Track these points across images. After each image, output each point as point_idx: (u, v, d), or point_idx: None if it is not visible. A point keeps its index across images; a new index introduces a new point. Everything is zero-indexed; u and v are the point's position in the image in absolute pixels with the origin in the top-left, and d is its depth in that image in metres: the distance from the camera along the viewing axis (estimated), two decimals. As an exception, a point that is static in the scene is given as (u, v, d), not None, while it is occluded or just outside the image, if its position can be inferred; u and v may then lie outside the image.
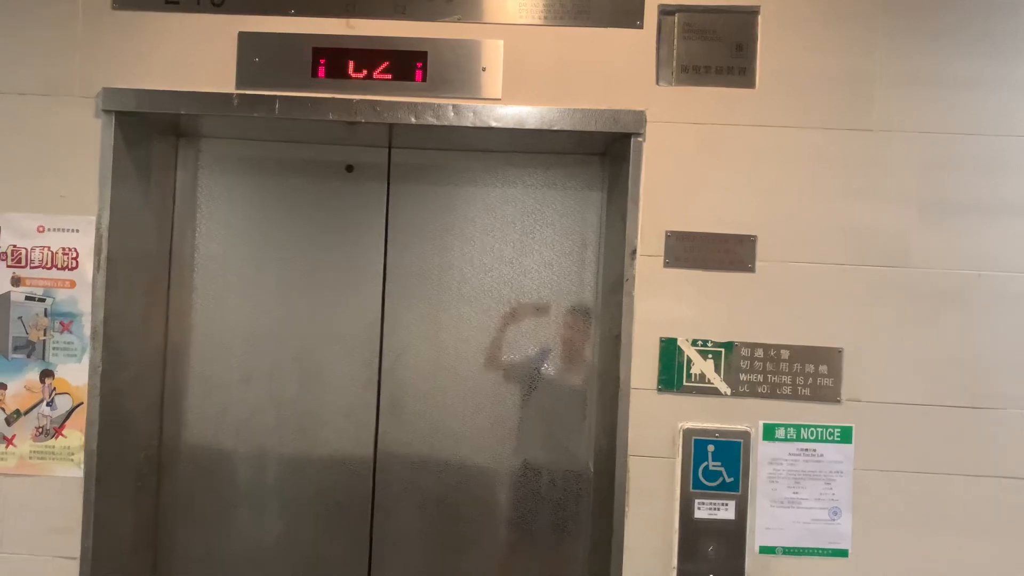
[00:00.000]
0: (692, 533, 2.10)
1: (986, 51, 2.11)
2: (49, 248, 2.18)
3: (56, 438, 2.17)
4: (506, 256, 2.48)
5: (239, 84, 2.15)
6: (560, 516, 2.46)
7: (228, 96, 2.14)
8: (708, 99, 2.12)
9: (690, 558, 2.09)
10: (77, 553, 2.14)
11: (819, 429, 2.11)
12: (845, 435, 2.10)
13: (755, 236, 2.11)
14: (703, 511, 2.10)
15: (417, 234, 2.49)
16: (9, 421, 2.18)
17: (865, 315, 2.10)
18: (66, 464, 2.17)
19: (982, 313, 2.09)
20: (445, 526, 2.48)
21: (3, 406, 2.18)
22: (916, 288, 2.10)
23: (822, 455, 2.11)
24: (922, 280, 2.10)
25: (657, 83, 2.13)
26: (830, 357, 2.10)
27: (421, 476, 2.48)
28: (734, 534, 2.10)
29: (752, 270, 2.11)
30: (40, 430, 2.17)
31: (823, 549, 2.10)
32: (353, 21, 2.15)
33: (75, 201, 2.17)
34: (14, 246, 2.18)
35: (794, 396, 2.11)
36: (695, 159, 2.12)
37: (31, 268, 2.18)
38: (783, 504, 2.11)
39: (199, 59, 2.16)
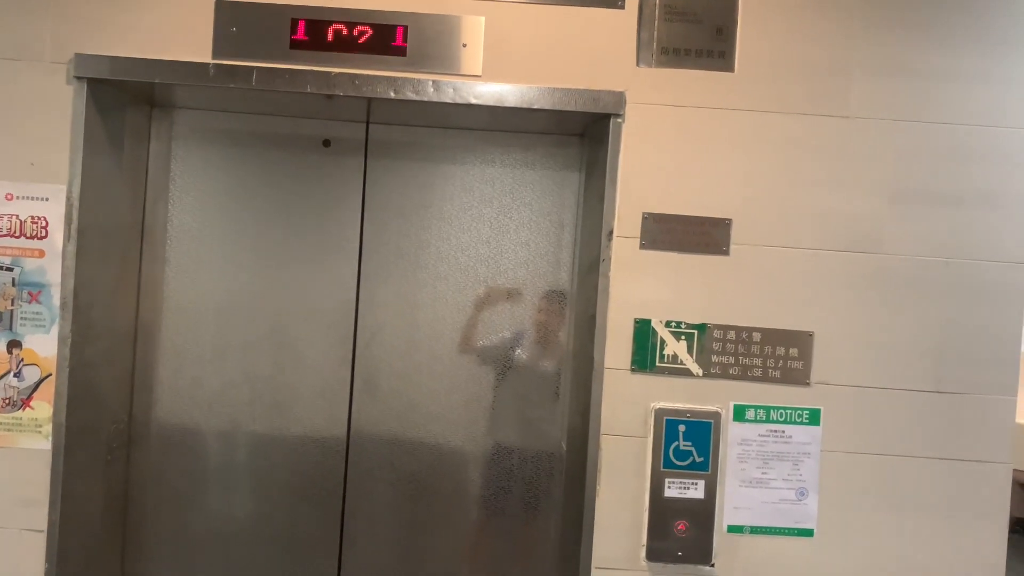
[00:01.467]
0: (662, 511, 2.12)
1: (961, 44, 2.14)
2: (17, 216, 2.14)
3: (24, 409, 2.14)
4: (483, 235, 2.48)
5: (216, 54, 2.12)
6: (532, 495, 2.48)
7: (204, 66, 2.11)
8: (688, 82, 2.13)
9: (659, 536, 2.12)
10: (44, 526, 2.11)
11: (788, 411, 2.14)
12: (813, 417, 2.14)
13: (730, 220, 2.13)
14: (673, 490, 2.13)
15: (394, 211, 2.48)
16: (-25, 392, 2.14)
17: (836, 300, 2.13)
18: (34, 436, 2.14)
19: (948, 300, 2.14)
20: (418, 505, 2.49)
21: (-31, 376, 2.14)
22: (886, 274, 2.13)
23: (791, 436, 2.14)
24: (892, 266, 2.13)
25: (637, 64, 2.14)
26: (801, 340, 2.14)
27: (395, 454, 2.48)
28: (703, 513, 2.13)
29: (727, 253, 2.13)
30: (7, 401, 2.14)
31: (789, 528, 2.14)
32: (333, -7, 2.13)
33: (45, 169, 2.13)
34: (-19, 214, 2.14)
35: (764, 378, 2.14)
36: (673, 141, 2.13)
37: (-1, 236, 2.14)
38: (752, 484, 2.15)
39: (175, 27, 2.12)
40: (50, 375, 2.14)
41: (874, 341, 2.14)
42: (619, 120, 2.12)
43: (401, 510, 2.49)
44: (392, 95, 2.11)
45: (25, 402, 2.14)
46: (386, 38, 2.12)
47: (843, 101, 2.13)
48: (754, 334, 2.14)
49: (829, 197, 2.13)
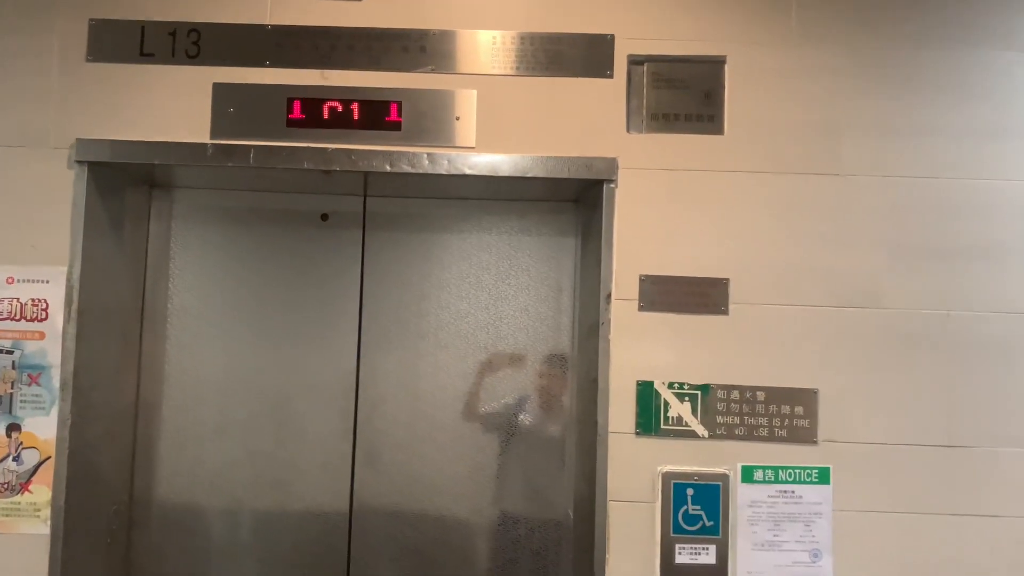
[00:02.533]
0: (674, 579, 2.07)
1: (946, 98, 2.18)
2: (18, 299, 2.15)
3: (22, 494, 2.12)
4: (482, 302, 2.48)
5: (214, 134, 2.16)
6: (540, 565, 2.43)
7: (203, 146, 2.15)
8: (678, 146, 2.16)
9: (672, 605, 2.07)
10: (43, 614, 2.07)
11: (797, 470, 2.11)
12: (823, 476, 2.10)
13: (728, 279, 2.13)
14: (684, 556, 2.08)
15: (393, 281, 2.49)
16: (-27, 478, 2.12)
17: (839, 356, 2.12)
18: (32, 521, 2.11)
19: (953, 352, 2.12)
20: (424, 578, 2.44)
21: (-33, 462, 2.12)
22: (888, 328, 2.12)
23: (801, 496, 2.10)
24: (893, 320, 2.12)
25: (628, 131, 2.17)
26: (805, 398, 2.11)
27: (398, 528, 2.43)
28: (716, 579, 2.08)
29: (726, 312, 2.13)
30: (5, 486, 2.12)
31: (805, 593, 2.09)
32: (328, 72, 2.18)
33: (46, 252, 2.15)
34: (-18, 298, 2.15)
35: (771, 438, 2.11)
36: (667, 204, 2.15)
37: (-1, 320, 2.15)
38: (764, 547, 2.10)
39: (174, 110, 2.17)
40: (49, 458, 2.12)
41: (880, 396, 2.11)
42: (612, 185, 2.15)
43: (407, 585, 2.43)
44: (388, 168, 2.14)
45: (24, 486, 2.12)
46: (381, 114, 2.17)
47: (834, 159, 2.15)
48: (758, 393, 2.12)
49: (826, 254, 2.14)
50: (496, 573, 2.43)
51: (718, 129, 2.16)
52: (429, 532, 2.43)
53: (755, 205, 2.15)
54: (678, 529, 2.09)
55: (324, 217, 2.51)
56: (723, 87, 2.17)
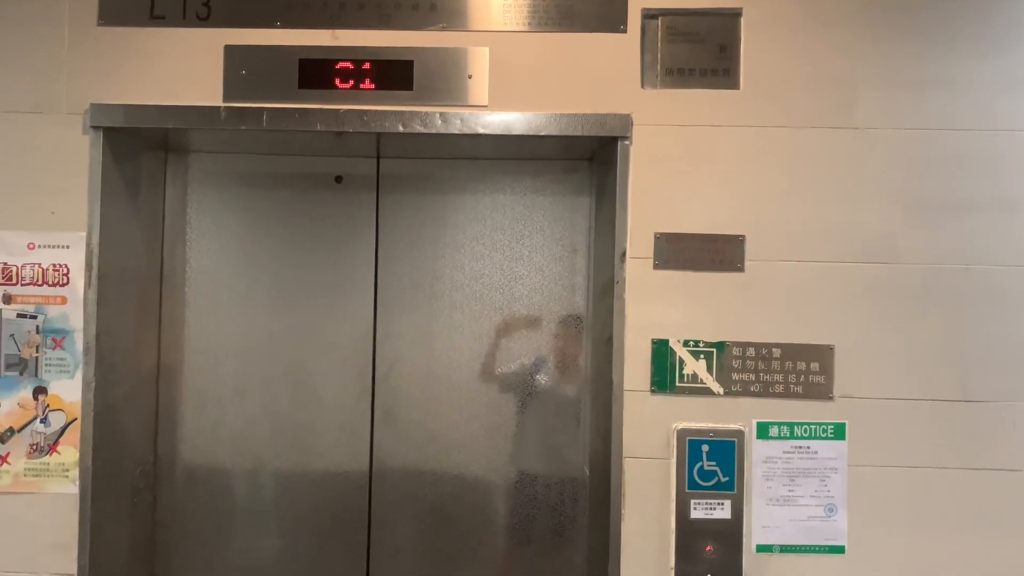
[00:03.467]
0: (689, 533, 2.10)
1: (963, 49, 2.13)
2: (40, 265, 2.18)
3: (50, 455, 2.16)
4: (497, 263, 2.48)
5: (226, 97, 2.16)
6: (557, 522, 2.46)
7: (215, 109, 2.15)
8: (693, 101, 2.14)
9: (687, 558, 2.09)
10: (74, 570, 2.13)
11: (812, 426, 2.11)
12: (838, 431, 2.11)
13: (743, 236, 2.12)
14: (699, 511, 2.10)
15: (407, 243, 2.50)
16: (3, 439, 2.17)
17: (855, 312, 2.11)
18: (61, 481, 2.16)
19: (970, 306, 2.11)
20: (443, 536, 2.48)
21: (-4, 424, 2.17)
22: (904, 284, 2.11)
23: (816, 452, 2.11)
24: (910, 275, 2.11)
25: (642, 86, 2.15)
26: (821, 354, 2.11)
27: (417, 486, 2.47)
28: (731, 533, 2.10)
29: (742, 270, 2.12)
30: (34, 447, 2.17)
31: (820, 546, 2.11)
32: (338, 32, 2.16)
33: (65, 218, 2.17)
34: (5, 264, 2.18)
35: (787, 394, 2.12)
36: (682, 161, 2.13)
37: (22, 285, 2.18)
38: (779, 502, 2.12)
39: (186, 73, 2.17)
40: (75, 420, 2.16)
41: (897, 352, 2.11)
42: (626, 142, 2.13)
43: (426, 542, 2.48)
44: (400, 129, 2.14)
45: (52, 447, 2.17)
46: (393, 74, 2.15)
47: (850, 113, 2.12)
48: (774, 350, 2.12)
49: (842, 209, 2.12)
50: (514, 529, 2.47)
51: (734, 84, 2.13)
52: (448, 490, 2.47)
53: (771, 160, 2.13)
54: (693, 485, 2.11)
55: (338, 180, 2.51)
56: (739, 40, 2.13)
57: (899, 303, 2.11)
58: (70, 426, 2.16)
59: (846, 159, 2.12)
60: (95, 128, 2.15)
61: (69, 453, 2.16)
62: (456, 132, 2.13)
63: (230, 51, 2.16)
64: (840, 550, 2.10)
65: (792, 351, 2.12)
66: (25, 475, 2.16)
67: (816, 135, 2.12)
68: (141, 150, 2.35)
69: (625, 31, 2.14)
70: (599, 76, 2.14)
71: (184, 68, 2.17)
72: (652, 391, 2.12)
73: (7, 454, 2.17)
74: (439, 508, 2.47)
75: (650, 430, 2.12)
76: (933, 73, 2.13)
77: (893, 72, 2.13)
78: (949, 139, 2.12)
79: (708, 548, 2.09)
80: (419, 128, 2.14)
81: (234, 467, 2.49)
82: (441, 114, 2.14)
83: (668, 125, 2.13)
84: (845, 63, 2.13)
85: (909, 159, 2.12)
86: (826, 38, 2.13)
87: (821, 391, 2.11)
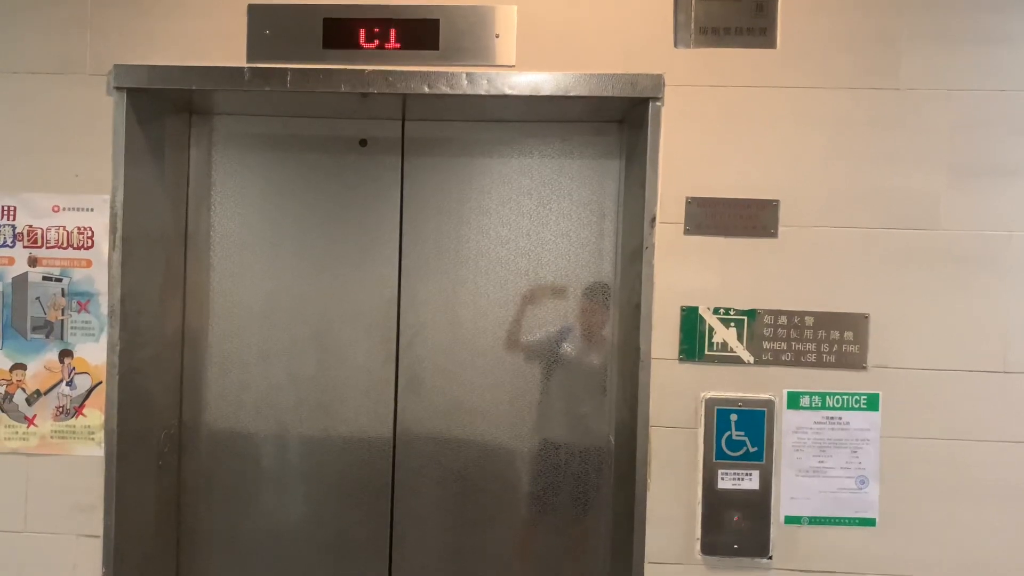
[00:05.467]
0: (716, 504, 2.07)
1: (1015, 5, 2.04)
2: (64, 228, 2.17)
3: (76, 417, 2.17)
4: (523, 228, 2.45)
5: (250, 57, 2.13)
6: (582, 490, 2.45)
7: (239, 70, 2.12)
8: (728, 61, 2.07)
9: (714, 529, 2.07)
10: (100, 531, 2.15)
11: (845, 397, 2.07)
12: (872, 402, 2.06)
13: (778, 201, 2.07)
14: (727, 481, 2.07)
15: (433, 208, 2.47)
16: (30, 401, 2.18)
17: (892, 280, 2.05)
18: (87, 443, 2.17)
19: (1014, 275, 2.04)
20: (466, 502, 2.47)
21: (23, 386, 2.18)
22: (945, 251, 2.05)
23: (848, 423, 2.07)
24: (952, 243, 2.04)
25: (675, 46, 2.08)
26: (856, 323, 2.06)
27: (441, 452, 2.47)
28: (759, 504, 2.07)
29: (775, 236, 2.07)
30: (60, 410, 2.18)
31: (850, 518, 2.07)
32: (364, -10, 2.12)
33: (89, 180, 2.16)
34: (30, 226, 2.18)
35: (819, 363, 2.07)
36: (715, 123, 2.07)
37: (47, 248, 2.18)
38: (808, 473, 2.08)
39: (210, 33, 2.14)
40: (101, 383, 2.17)
41: (935, 321, 2.05)
42: (658, 104, 2.07)
43: (450, 508, 2.47)
44: (426, 90, 2.09)
45: (78, 410, 2.18)
46: (418, 33, 2.11)
47: (893, 72, 2.04)
48: (807, 318, 2.07)
49: (882, 173, 2.05)
50: (537, 497, 2.46)
51: (770, 43, 2.06)
52: (471, 457, 2.46)
53: (808, 123, 2.06)
54: (721, 455, 2.08)
55: (363, 143, 2.47)
56: (776, -3, 2.06)
57: (938, 271, 2.05)
58: (96, 389, 2.17)
59: (887, 121, 2.05)
60: (119, 89, 2.13)
61: (95, 416, 2.17)
62: (483, 93, 2.09)
63: (254, 10, 2.13)
64: (871, 523, 2.06)
65: (825, 319, 2.07)
66: (52, 437, 2.17)
67: (856, 96, 2.05)
68: (165, 112, 2.33)
69: (658, -12, 2.08)
70: (630, 35, 2.08)
71: (208, 28, 2.14)
72: (680, 359, 2.09)
73: (34, 416, 2.18)
74: (463, 475, 2.46)
75: (677, 399, 2.09)
76: (982, 29, 2.04)
77: (938, 29, 2.04)
78: (997, 100, 2.04)
79: (735, 518, 2.07)
80: (445, 89, 2.09)
81: (258, 431, 2.49)
82: (468, 74, 2.09)
83: (702, 86, 2.07)
84: (887, 20, 2.05)
85: (953, 121, 2.04)
86: (868, -6, 2.05)
87: (855, 361, 2.06)
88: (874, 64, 2.05)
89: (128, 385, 2.18)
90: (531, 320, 2.45)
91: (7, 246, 2.18)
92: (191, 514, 2.49)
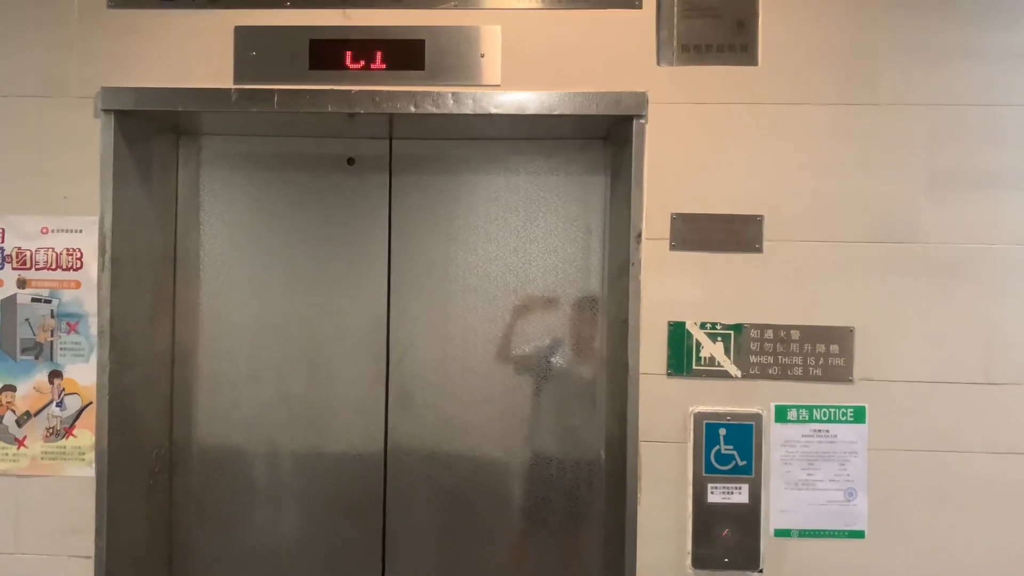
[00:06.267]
0: (706, 517, 2.08)
1: (991, 20, 2.07)
2: (53, 249, 2.18)
3: (67, 438, 2.18)
4: (511, 244, 2.46)
5: (237, 79, 2.14)
6: (573, 504, 2.45)
7: (226, 91, 2.13)
8: (710, 78, 2.09)
9: (704, 542, 2.08)
10: (92, 552, 2.14)
11: (832, 409, 2.08)
12: (858, 415, 2.08)
13: (762, 216, 2.08)
14: (716, 495, 2.08)
15: (421, 225, 2.48)
16: (20, 423, 2.18)
17: (876, 292, 2.07)
18: (78, 464, 2.17)
19: (995, 286, 2.06)
20: (458, 518, 2.47)
21: (13, 408, 2.18)
22: (927, 263, 2.06)
23: (836, 436, 2.08)
24: (933, 254, 2.06)
25: (658, 63, 2.10)
26: (841, 336, 2.08)
27: (432, 468, 2.47)
28: (748, 517, 2.08)
29: (760, 250, 2.08)
30: (50, 431, 2.18)
31: (839, 531, 2.08)
32: (350, 12, 2.13)
33: (77, 201, 2.17)
34: (19, 248, 2.18)
35: (805, 377, 2.08)
36: (699, 139, 2.09)
37: (36, 270, 2.18)
38: (797, 486, 2.09)
39: (196, 55, 2.15)
40: (91, 403, 2.17)
41: (919, 334, 2.07)
42: (642, 121, 2.09)
43: (442, 524, 2.47)
44: (412, 110, 2.11)
45: (68, 431, 2.18)
46: (404, 53, 2.12)
47: (872, 88, 2.06)
48: (792, 332, 2.08)
49: (863, 187, 2.07)
50: (529, 512, 2.47)
51: (752, 60, 2.08)
52: (463, 472, 2.46)
53: (790, 139, 2.08)
54: (710, 468, 2.08)
55: (350, 161, 2.49)
56: (757, 15, 2.08)
57: (921, 283, 2.07)
58: (86, 409, 2.17)
59: (867, 136, 2.07)
60: (106, 111, 2.14)
61: (85, 436, 2.17)
62: (469, 112, 2.10)
63: (240, 32, 2.14)
64: (860, 535, 2.07)
65: (811, 333, 2.08)
66: (42, 458, 2.17)
67: (836, 112, 2.07)
68: (152, 133, 2.34)
69: (640, 7, 2.10)
70: (614, 53, 2.10)
71: (195, 50, 2.15)
72: (668, 374, 2.10)
73: (24, 437, 2.18)
74: (454, 490, 2.47)
75: (666, 413, 2.10)
76: (959, 44, 2.06)
77: (916, 44, 2.07)
78: (976, 114, 2.06)
79: (725, 532, 2.07)
80: (431, 108, 2.11)
81: (249, 450, 2.49)
82: (453, 94, 2.11)
83: (685, 103, 2.09)
84: (866, 36, 2.07)
85: (932, 135, 2.06)
86: (847, 11, 2.07)
87: (841, 374, 2.08)
88: (853, 79, 2.07)
89: (118, 405, 2.18)
90: (521, 335, 2.46)
91: (-4, 268, 2.19)
92: (183, 533, 2.48)
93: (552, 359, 2.46)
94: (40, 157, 2.16)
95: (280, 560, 2.49)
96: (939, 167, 2.06)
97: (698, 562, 2.08)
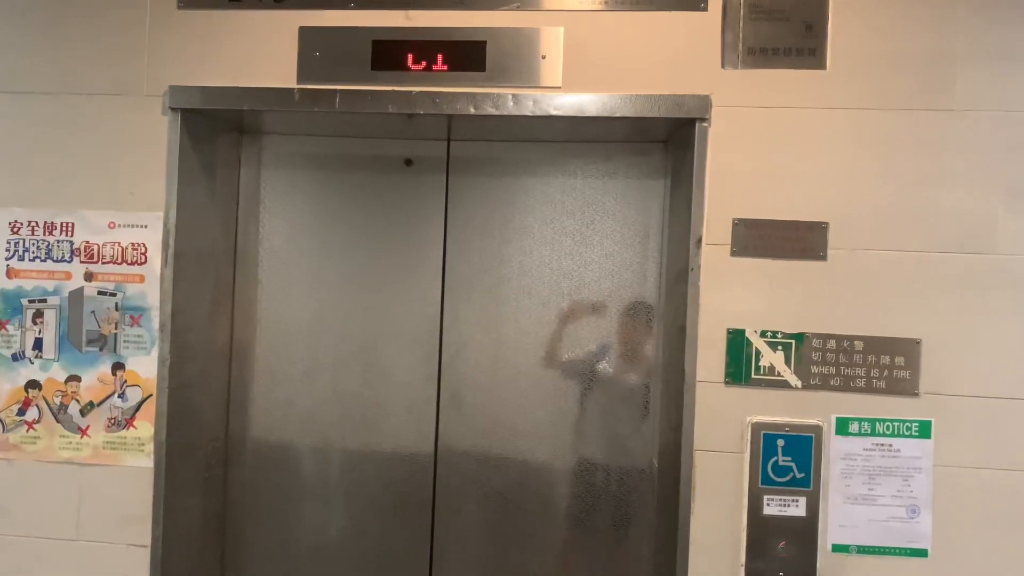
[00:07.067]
0: (761, 530, 2.03)
1: (1076, 23, 1.99)
2: (119, 244, 2.23)
3: (127, 429, 2.22)
4: (566, 248, 2.44)
5: (300, 79, 2.17)
6: (622, 512, 2.42)
7: (290, 91, 2.16)
8: (777, 82, 2.05)
9: (759, 556, 2.03)
10: (148, 541, 2.19)
11: (896, 423, 2.02)
12: (924, 430, 2.01)
13: (827, 223, 2.03)
14: (772, 507, 2.04)
15: (476, 227, 2.48)
16: (83, 412, 2.24)
17: (945, 304, 2.00)
18: (137, 454, 2.22)
19: (1074, 301, 1.98)
20: (506, 520, 2.47)
21: (77, 397, 2.24)
22: (1001, 275, 1.99)
23: (899, 450, 2.02)
24: (1008, 267, 1.99)
25: (723, 67, 2.07)
26: (907, 348, 2.01)
27: (482, 470, 2.46)
28: (805, 531, 2.03)
29: (824, 258, 2.03)
30: (112, 421, 2.23)
31: (901, 548, 2.02)
32: (412, 13, 2.14)
33: (144, 198, 2.22)
34: (87, 242, 2.24)
35: (868, 389, 2.02)
36: (763, 144, 2.05)
37: (103, 263, 2.24)
38: (857, 501, 2.03)
39: (261, 55, 2.18)
40: (151, 396, 2.21)
41: (990, 347, 1.99)
42: (705, 124, 2.06)
43: (490, 527, 2.47)
44: (472, 111, 2.11)
45: (128, 422, 2.22)
46: (465, 55, 2.12)
47: (948, 93, 2.00)
48: (856, 343, 2.03)
49: (936, 196, 2.01)
50: (578, 518, 2.44)
51: (820, 63, 2.04)
52: (512, 475, 2.45)
53: (859, 145, 2.02)
54: (767, 480, 2.04)
55: (408, 162, 2.50)
56: (826, 17, 2.03)
57: (993, 296, 1.99)
58: (146, 401, 2.22)
59: (941, 143, 2.00)
60: (173, 110, 2.19)
61: (145, 428, 2.22)
62: (528, 114, 2.09)
63: (304, 33, 2.17)
64: (923, 553, 2.01)
65: (875, 344, 2.02)
66: (104, 448, 2.23)
67: (909, 117, 2.01)
68: (217, 132, 2.38)
69: (705, 9, 2.07)
70: (677, 56, 2.08)
71: (260, 50, 2.18)
72: (726, 383, 2.06)
73: (87, 427, 2.23)
74: (503, 493, 2.46)
75: (723, 423, 2.06)
76: (1041, 48, 1.99)
77: (996, 48, 1.99)
78: (1057, 121, 1.98)
79: (781, 545, 2.03)
80: (491, 110, 2.11)
81: (302, 446, 2.52)
82: (513, 95, 2.10)
83: (749, 107, 2.05)
84: (941, 40, 2.01)
85: (1012, 143, 1.99)
86: (921, 13, 2.01)
87: (906, 387, 2.01)
88: (928, 84, 2.01)
89: (177, 398, 2.23)
90: (573, 340, 2.44)
91: (65, 261, 2.24)
92: (236, 525, 2.52)
93: (604, 365, 2.44)
94: (110, 154, 2.22)
95: (329, 557, 2.51)
96: (1018, 176, 1.99)
97: (752, 575, 2.03)
